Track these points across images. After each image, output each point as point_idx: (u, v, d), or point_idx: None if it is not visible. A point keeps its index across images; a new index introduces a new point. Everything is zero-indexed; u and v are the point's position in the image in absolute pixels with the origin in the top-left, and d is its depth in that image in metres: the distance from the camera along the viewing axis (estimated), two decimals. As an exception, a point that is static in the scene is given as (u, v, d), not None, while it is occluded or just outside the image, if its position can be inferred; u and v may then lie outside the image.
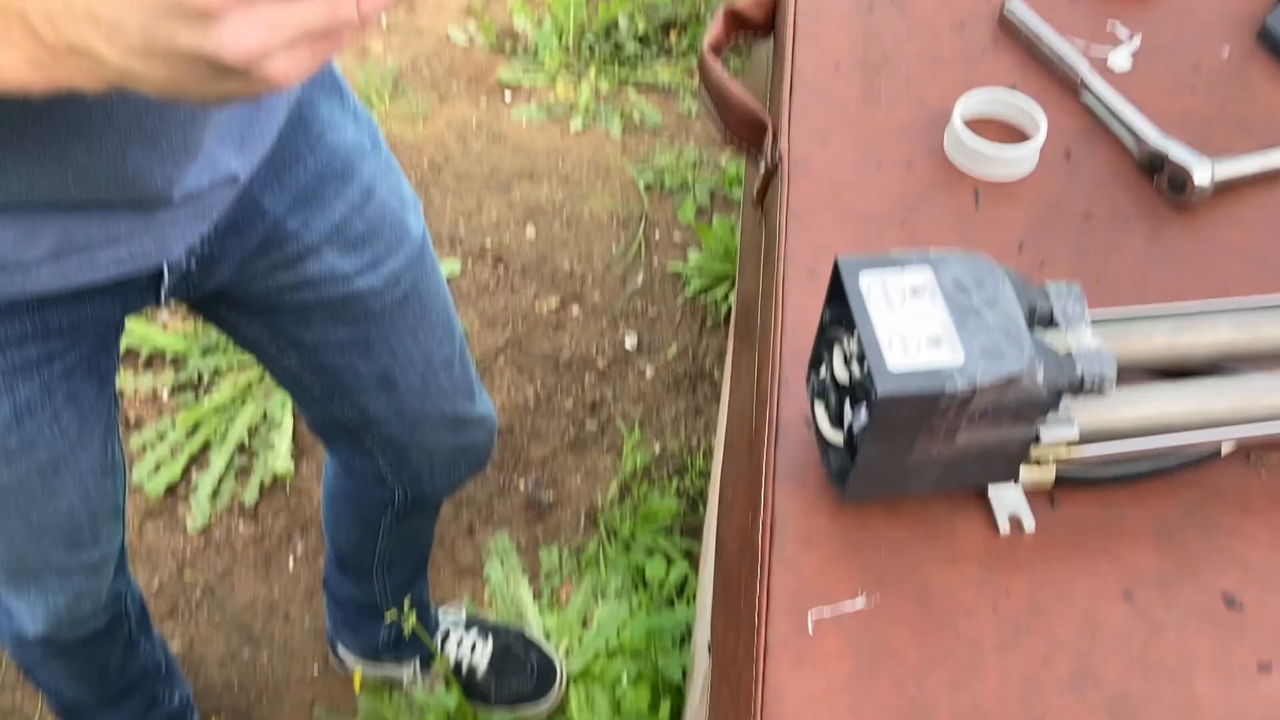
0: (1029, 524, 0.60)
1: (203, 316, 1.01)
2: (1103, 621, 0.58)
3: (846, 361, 0.56)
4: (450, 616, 1.55)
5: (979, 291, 0.55)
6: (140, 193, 0.72)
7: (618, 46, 2.39)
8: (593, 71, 2.35)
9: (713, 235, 2.02)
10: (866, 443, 0.55)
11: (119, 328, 0.90)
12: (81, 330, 0.83)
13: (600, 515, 1.69)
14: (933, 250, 0.57)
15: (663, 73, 2.35)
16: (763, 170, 0.81)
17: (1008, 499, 0.61)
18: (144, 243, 0.77)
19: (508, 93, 2.32)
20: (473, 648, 1.51)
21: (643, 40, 2.40)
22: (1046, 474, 0.58)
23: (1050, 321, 0.57)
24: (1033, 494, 0.61)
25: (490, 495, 1.72)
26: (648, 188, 2.16)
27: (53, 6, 0.44)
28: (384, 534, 1.28)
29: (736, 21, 0.92)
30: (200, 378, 1.80)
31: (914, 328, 0.54)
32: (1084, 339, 0.56)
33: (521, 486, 1.74)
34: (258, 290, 0.92)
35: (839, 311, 0.57)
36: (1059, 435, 0.56)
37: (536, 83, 2.33)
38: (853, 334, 0.55)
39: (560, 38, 2.38)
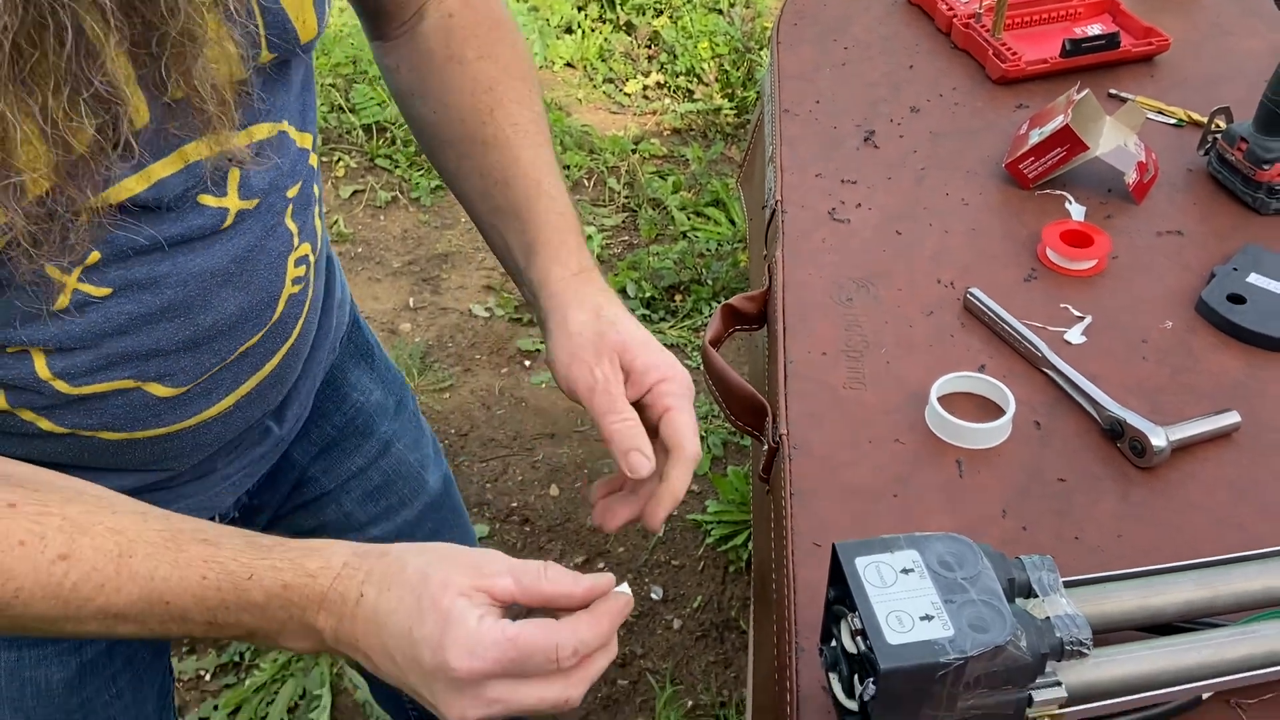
0: (1037, 780, 0.65)
1: None
2: None
3: (853, 636, 0.63)
4: None
5: (961, 569, 0.63)
6: (192, 457, 0.79)
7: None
8: (606, 336, 2.50)
9: (728, 485, 2.10)
10: (877, 713, 0.61)
11: None
12: None
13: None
14: (918, 533, 0.65)
15: (670, 333, 2.51)
16: (766, 449, 0.91)
17: (1014, 756, 0.66)
18: (199, 499, 0.82)
19: (527, 360, 2.47)
20: None
21: (649, 304, 2.57)
22: (1044, 732, 0.64)
23: (1029, 591, 0.64)
24: (1037, 750, 0.67)
25: (525, 761, 1.73)
26: (663, 442, 2.26)
27: (362, 644, 0.59)
28: None
29: (733, 316, 1.05)
30: (242, 658, 1.85)
31: (907, 605, 0.61)
32: (1059, 605, 0.63)
33: (556, 750, 1.75)
34: (283, 535, 0.99)
35: (841, 590, 0.65)
36: (1049, 696, 0.62)
37: (554, 350, 2.48)
38: (855, 611, 0.63)
39: (574, 307, 2.55)
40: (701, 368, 0.99)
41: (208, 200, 0.65)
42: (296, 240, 0.74)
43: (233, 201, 0.67)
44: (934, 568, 0.63)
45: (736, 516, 2.07)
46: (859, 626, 0.62)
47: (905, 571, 0.63)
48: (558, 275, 0.79)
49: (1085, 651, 0.62)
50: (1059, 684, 0.62)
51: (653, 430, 0.74)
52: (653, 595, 1.98)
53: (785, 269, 1.05)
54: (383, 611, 0.58)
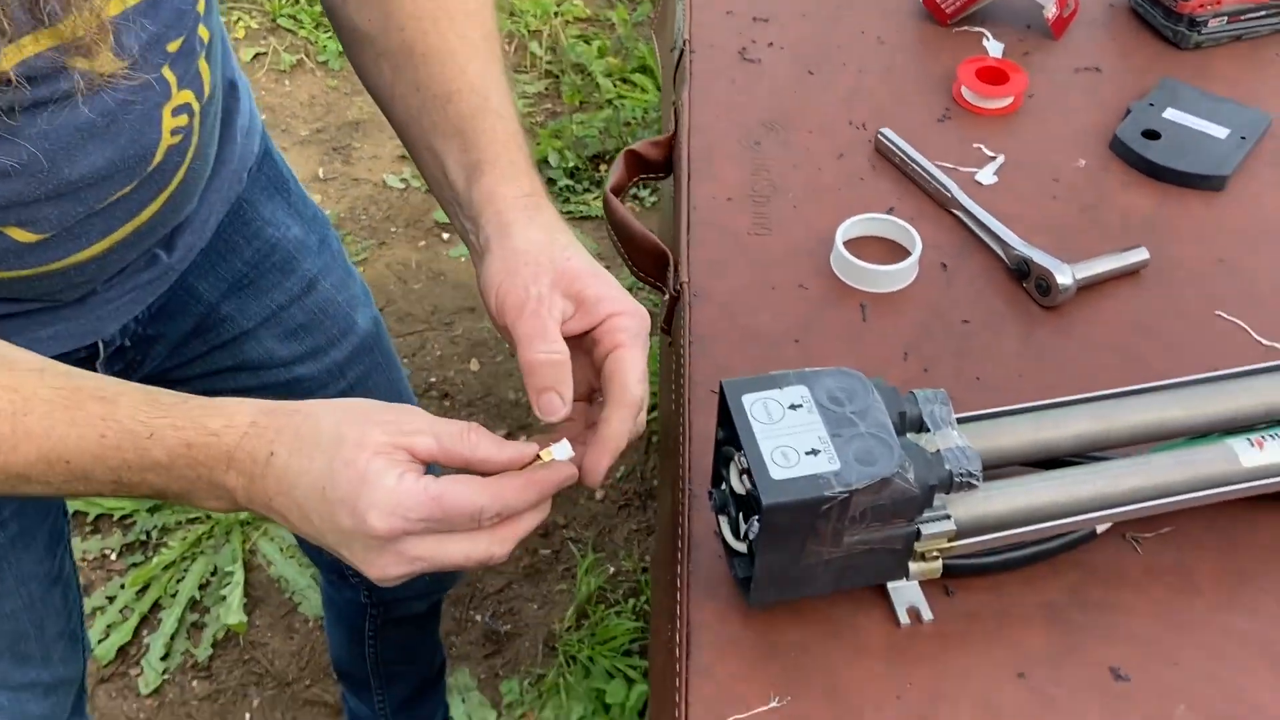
0: (926, 614, 0.64)
1: None
2: (1000, 703, 0.61)
3: (740, 476, 0.60)
4: None
5: (850, 403, 0.60)
6: (72, 292, 0.76)
7: (549, 181, 2.49)
8: (527, 207, 2.43)
9: (652, 357, 2.08)
10: (762, 550, 0.59)
11: None
12: None
13: (558, 642, 1.70)
14: (809, 369, 0.62)
15: (594, 204, 2.45)
16: (666, 299, 0.87)
17: (906, 592, 0.65)
18: (78, 323, 0.80)
19: (445, 233, 2.40)
20: None
21: (573, 174, 2.50)
22: (933, 567, 0.62)
23: (920, 426, 0.62)
24: (929, 585, 0.65)
25: (447, 632, 1.72)
26: (586, 314, 2.22)
27: (276, 504, 0.57)
28: (370, 642, 1.30)
29: (636, 163, 0.99)
30: (149, 536, 1.80)
31: (794, 440, 0.58)
32: (950, 438, 0.61)
33: (478, 619, 1.74)
34: (198, 373, 0.95)
35: (729, 430, 0.62)
36: (938, 529, 0.60)
37: (473, 221, 2.41)
38: (741, 450, 0.60)
39: (493, 177, 2.47)
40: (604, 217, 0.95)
41: (78, 63, 0.61)
42: (175, 89, 0.70)
43: (105, 63, 0.62)
44: (823, 403, 0.60)
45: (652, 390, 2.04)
46: (745, 465, 0.59)
47: (793, 407, 0.60)
48: (506, 194, 0.68)
49: (975, 484, 0.59)
50: (948, 517, 0.60)
51: (597, 371, 0.64)
52: (575, 466, 1.97)
53: (692, 112, 1.00)
54: (294, 471, 0.56)
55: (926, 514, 0.60)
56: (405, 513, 0.53)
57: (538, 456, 0.58)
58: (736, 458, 0.61)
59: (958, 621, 0.65)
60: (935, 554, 0.61)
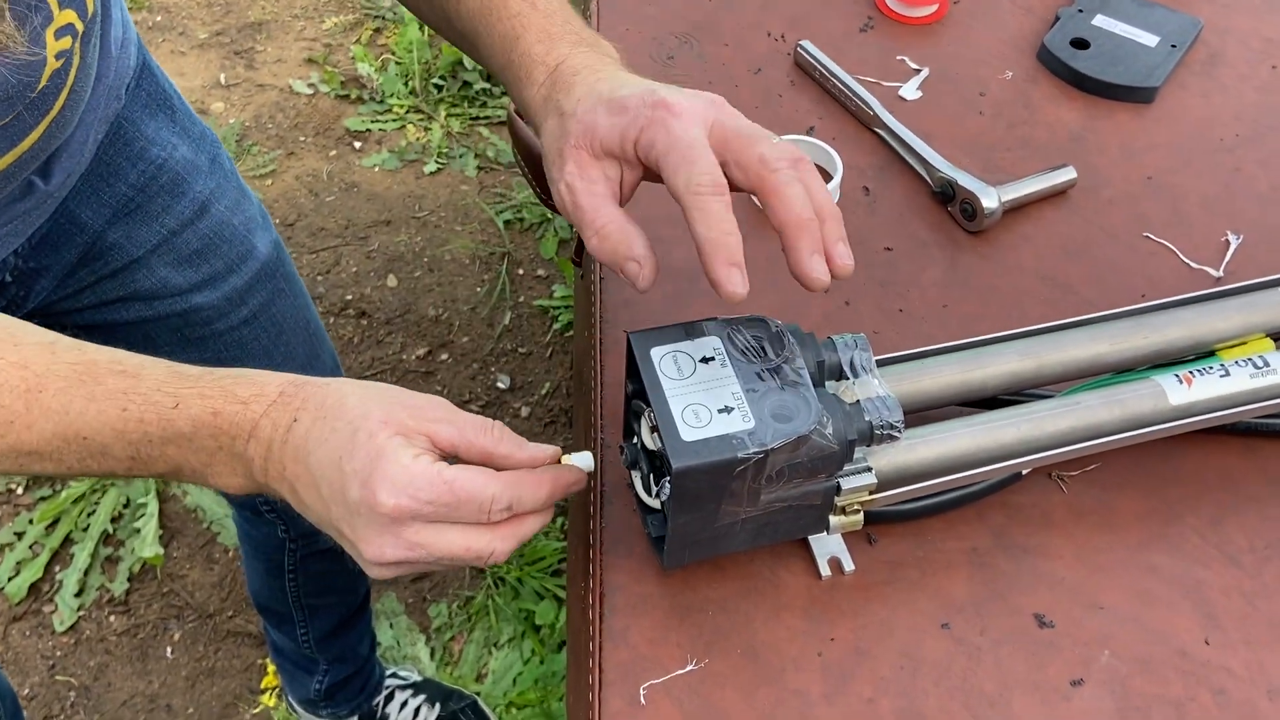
0: (848, 565, 0.62)
1: None
2: (923, 655, 0.59)
3: (651, 432, 0.57)
4: (399, 678, 1.52)
5: (767, 354, 0.56)
6: None
7: (466, 85, 2.38)
8: (442, 112, 2.33)
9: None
10: (674, 513, 0.55)
11: None
12: None
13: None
14: (721, 317, 0.58)
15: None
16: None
17: (828, 543, 0.62)
18: None
19: (357, 141, 2.29)
20: (416, 712, 1.48)
21: (490, 78, 2.39)
22: (854, 520, 0.60)
23: (840, 374, 0.58)
24: (850, 534, 0.63)
25: (373, 555, 1.69)
26: (507, 225, 2.15)
27: (289, 473, 0.54)
28: (290, 576, 1.27)
29: (544, 79, 0.93)
30: (56, 469, 1.74)
31: (705, 397, 0.55)
32: (871, 387, 0.58)
33: (405, 542, 1.72)
34: (88, 303, 0.90)
35: (638, 385, 0.58)
36: (859, 483, 0.57)
37: (386, 128, 2.31)
38: (651, 407, 0.56)
39: (406, 81, 2.36)
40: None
41: None
42: (56, 10, 0.64)
43: None
44: (737, 355, 0.56)
45: (584, 299, 1.99)
46: (654, 422, 0.55)
47: (705, 360, 0.56)
48: (574, 49, 0.62)
49: (896, 435, 0.56)
50: (869, 470, 0.57)
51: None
52: (499, 384, 1.92)
53: (600, 22, 0.93)
54: (314, 439, 0.54)
55: (846, 468, 0.57)
56: (415, 492, 0.52)
57: (558, 461, 0.57)
58: (646, 414, 0.57)
59: (880, 571, 0.62)
60: (856, 507, 0.59)
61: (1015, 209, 0.79)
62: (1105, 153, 0.83)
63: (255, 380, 0.56)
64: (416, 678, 1.53)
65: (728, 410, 0.54)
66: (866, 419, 0.56)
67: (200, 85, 2.38)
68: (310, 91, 2.38)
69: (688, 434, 0.53)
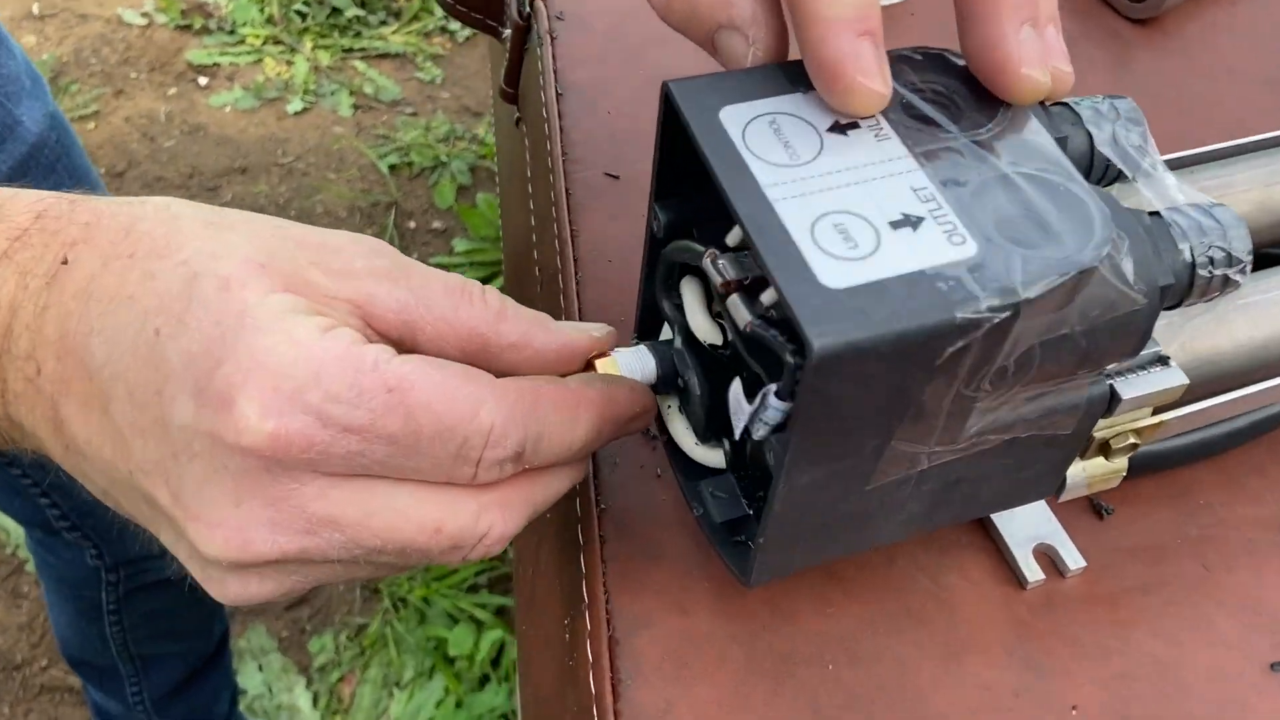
0: (1072, 559, 0.33)
1: None
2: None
3: (721, 296, 0.26)
4: None
5: (963, 115, 0.26)
6: None
7: (335, 11, 2.03)
8: (308, 43, 1.99)
9: (479, 216, 1.71)
10: (792, 464, 0.25)
11: None
12: None
13: (382, 581, 1.34)
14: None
15: (394, 39, 2.01)
16: (509, 39, 0.51)
17: (1028, 521, 0.33)
18: None
19: (202, 77, 1.92)
20: None
21: (364, 3, 2.05)
22: (1116, 468, 0.30)
23: (1104, 169, 0.29)
24: (1066, 507, 0.34)
25: (234, 572, 1.34)
26: (393, 170, 1.82)
27: (56, 398, 0.27)
28: (111, 617, 0.97)
29: None
30: None
31: (858, 199, 0.24)
32: (1165, 189, 0.28)
33: (274, 554, 1.37)
34: None
35: (686, 203, 0.27)
36: (1151, 385, 0.28)
37: (238, 62, 1.95)
38: (725, 233, 0.25)
39: (262, 7, 2.00)
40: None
41: None
42: None
43: None
44: (902, 120, 0.26)
45: (491, 255, 1.68)
46: (734, 268, 0.25)
47: (840, 130, 0.26)
48: None
49: (1239, 279, 0.27)
50: (1166, 360, 0.28)
51: None
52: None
53: None
54: (105, 295, 0.27)
55: (1140, 354, 0.27)
56: (324, 403, 0.25)
57: (592, 364, 0.30)
58: (708, 261, 0.26)
59: (1126, 566, 0.33)
60: (1130, 440, 0.29)
61: (1190, -9, 0.51)
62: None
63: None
64: None
65: (912, 223, 0.24)
66: (1183, 246, 0.27)
67: (8, 16, 1.98)
68: (144, 22, 2.00)
69: (830, 274, 0.23)
